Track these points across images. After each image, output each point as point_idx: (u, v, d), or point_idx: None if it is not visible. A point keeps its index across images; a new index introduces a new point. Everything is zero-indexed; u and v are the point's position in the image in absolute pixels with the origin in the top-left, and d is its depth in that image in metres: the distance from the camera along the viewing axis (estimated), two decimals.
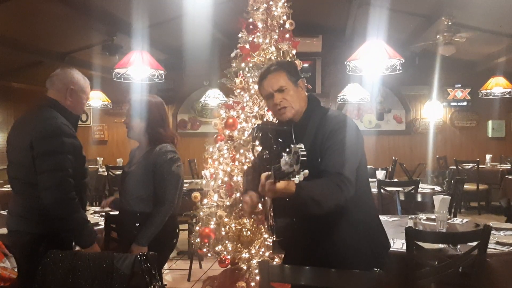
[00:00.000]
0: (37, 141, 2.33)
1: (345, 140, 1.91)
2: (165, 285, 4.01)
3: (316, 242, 2.00)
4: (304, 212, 1.81)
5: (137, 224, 2.64)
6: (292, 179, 1.50)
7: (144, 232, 2.59)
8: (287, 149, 1.49)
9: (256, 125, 2.24)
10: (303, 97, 2.08)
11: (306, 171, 1.48)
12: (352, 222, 1.99)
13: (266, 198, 1.98)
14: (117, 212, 2.95)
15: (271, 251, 2.12)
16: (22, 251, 2.32)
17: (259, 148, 2.23)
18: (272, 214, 1.88)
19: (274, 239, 1.93)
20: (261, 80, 2.09)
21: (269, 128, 2.12)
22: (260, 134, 2.12)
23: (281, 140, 2.02)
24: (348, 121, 2.00)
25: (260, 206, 2.21)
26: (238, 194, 3.37)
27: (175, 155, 2.70)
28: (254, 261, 3.31)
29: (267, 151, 2.02)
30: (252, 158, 2.52)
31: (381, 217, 3.68)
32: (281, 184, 1.59)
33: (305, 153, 1.47)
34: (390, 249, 2.69)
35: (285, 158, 1.48)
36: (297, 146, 1.47)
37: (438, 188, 5.57)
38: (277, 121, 2.20)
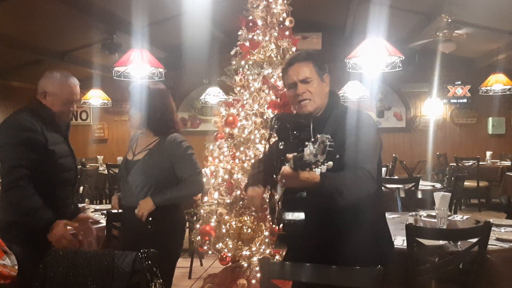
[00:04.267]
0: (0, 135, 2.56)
1: (369, 138, 1.88)
2: None
3: (326, 238, 1.94)
4: (326, 203, 1.77)
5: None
6: (314, 169, 1.45)
7: (164, 194, 2.54)
8: (312, 139, 1.43)
9: (275, 114, 2.18)
10: (325, 92, 2.02)
11: (331, 162, 1.43)
12: (365, 221, 1.93)
13: (273, 190, 1.96)
14: (120, 210, 2.88)
15: (272, 247, 2.07)
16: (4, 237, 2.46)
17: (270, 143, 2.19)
18: (280, 207, 1.83)
19: (280, 232, 1.90)
20: (287, 67, 2.01)
21: (288, 119, 2.05)
22: (279, 124, 2.04)
23: (296, 133, 1.95)
24: (371, 119, 1.98)
25: (266, 199, 2.14)
26: (238, 192, 3.37)
27: (187, 143, 2.72)
28: (255, 259, 3.31)
29: (282, 142, 1.95)
30: (263, 150, 2.47)
31: None
32: (304, 173, 1.56)
33: (332, 143, 1.41)
34: None
35: (309, 147, 1.42)
36: (324, 136, 1.42)
37: (438, 185, 5.56)
38: (295, 113, 2.10)
